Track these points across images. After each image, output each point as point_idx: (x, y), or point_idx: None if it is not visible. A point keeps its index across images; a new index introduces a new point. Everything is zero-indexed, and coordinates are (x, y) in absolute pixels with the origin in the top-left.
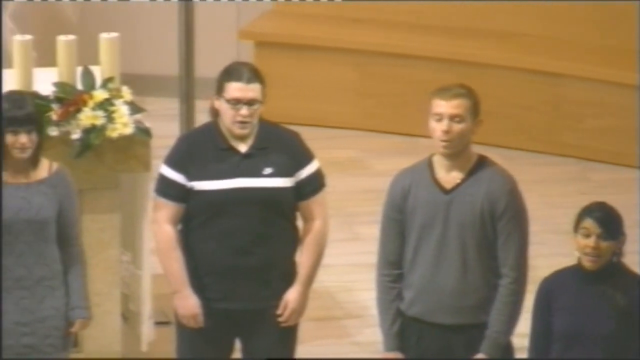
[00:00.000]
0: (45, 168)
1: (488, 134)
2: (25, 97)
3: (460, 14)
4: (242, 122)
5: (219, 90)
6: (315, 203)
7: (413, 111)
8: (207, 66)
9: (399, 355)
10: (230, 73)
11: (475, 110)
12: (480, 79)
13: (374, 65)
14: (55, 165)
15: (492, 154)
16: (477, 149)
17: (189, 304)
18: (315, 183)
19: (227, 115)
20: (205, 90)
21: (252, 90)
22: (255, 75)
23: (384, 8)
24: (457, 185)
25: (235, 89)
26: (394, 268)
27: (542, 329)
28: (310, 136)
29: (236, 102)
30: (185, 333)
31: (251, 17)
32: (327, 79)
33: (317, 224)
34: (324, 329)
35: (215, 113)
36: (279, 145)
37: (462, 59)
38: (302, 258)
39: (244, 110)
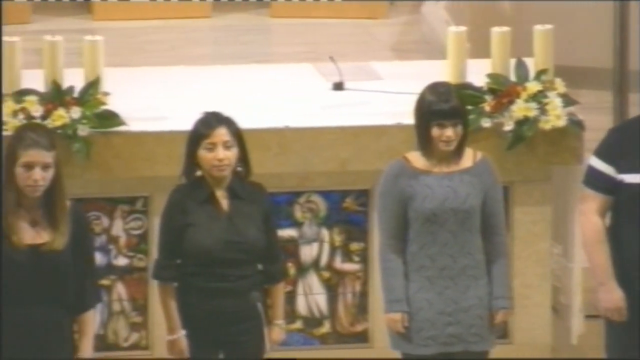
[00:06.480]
0: (469, 158)
1: None
2: (450, 90)
3: None
4: None
5: None
6: None
7: None
8: None
9: None
10: None
11: None
12: None
13: None
14: (479, 155)
15: None
16: None
17: (614, 297)
18: None
19: None
20: (639, 83)
21: None
22: None
23: None
24: None
25: None
26: None
27: None
28: None
29: None
30: (614, 328)
31: None
32: None
33: None
34: None
35: None
36: None
37: None
38: None
39: None
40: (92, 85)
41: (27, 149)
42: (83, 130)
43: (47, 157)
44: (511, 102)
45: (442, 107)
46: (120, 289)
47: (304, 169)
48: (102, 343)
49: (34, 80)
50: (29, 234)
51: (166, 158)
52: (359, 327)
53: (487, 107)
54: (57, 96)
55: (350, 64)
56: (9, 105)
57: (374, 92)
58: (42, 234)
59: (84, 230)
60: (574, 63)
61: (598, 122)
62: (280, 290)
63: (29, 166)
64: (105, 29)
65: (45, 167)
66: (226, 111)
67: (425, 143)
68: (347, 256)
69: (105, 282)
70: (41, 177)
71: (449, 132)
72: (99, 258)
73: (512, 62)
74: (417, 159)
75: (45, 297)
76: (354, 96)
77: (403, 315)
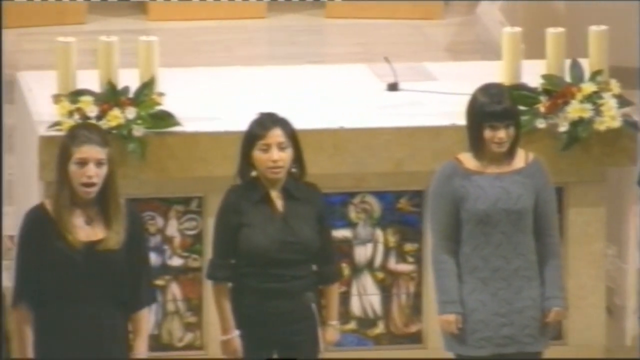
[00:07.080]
0: (521, 158)
1: None
2: (503, 91)
3: None
4: None
5: None
6: None
7: None
8: None
9: None
10: None
11: None
12: None
13: None
14: (531, 156)
15: None
16: None
17: None
18: None
19: None
20: None
21: None
22: None
23: None
24: None
25: None
26: None
27: None
28: None
29: None
30: None
31: None
32: None
33: None
34: None
35: None
36: None
37: None
38: None
39: None
40: (147, 85)
41: (80, 146)
42: (138, 131)
43: (101, 153)
44: (566, 103)
45: (494, 108)
46: (174, 289)
47: (359, 169)
48: (157, 343)
49: (90, 80)
50: (84, 232)
51: (221, 158)
52: (413, 328)
53: (541, 108)
54: (112, 96)
55: (404, 65)
56: (64, 106)
57: (429, 93)
58: (97, 231)
59: (139, 230)
60: (629, 64)
61: None
62: (334, 291)
63: (83, 162)
64: (160, 29)
65: (98, 163)
66: (281, 112)
67: (477, 144)
68: (401, 257)
69: (159, 282)
70: (95, 174)
71: (501, 133)
72: (154, 258)
73: (567, 63)
74: (468, 160)
75: (99, 295)
76: (409, 97)
77: (457, 316)
